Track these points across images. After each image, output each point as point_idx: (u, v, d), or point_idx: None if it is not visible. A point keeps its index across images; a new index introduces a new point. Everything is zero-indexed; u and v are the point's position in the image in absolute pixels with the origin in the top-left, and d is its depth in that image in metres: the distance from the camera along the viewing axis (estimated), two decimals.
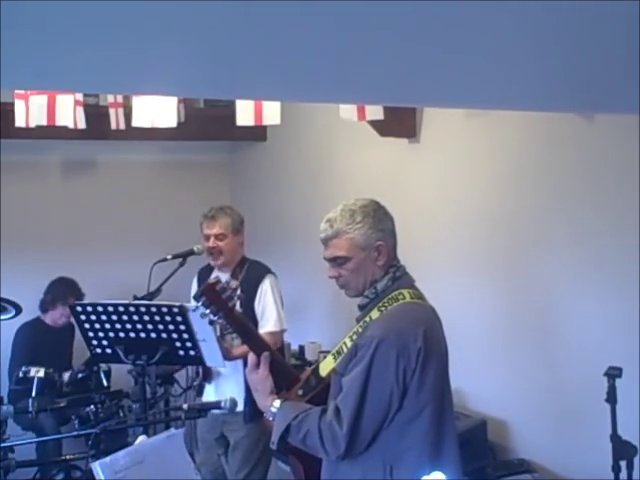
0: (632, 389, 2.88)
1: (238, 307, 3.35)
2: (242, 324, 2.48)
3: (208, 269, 3.75)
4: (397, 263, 2.26)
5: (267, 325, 3.49)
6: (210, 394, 3.61)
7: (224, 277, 3.53)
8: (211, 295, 2.36)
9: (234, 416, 3.41)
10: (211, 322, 2.50)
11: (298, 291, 5.19)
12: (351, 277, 2.21)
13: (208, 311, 2.38)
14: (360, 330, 2.19)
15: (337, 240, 2.19)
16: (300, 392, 2.29)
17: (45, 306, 5.04)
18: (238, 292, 2.45)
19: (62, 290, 5.00)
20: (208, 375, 3.62)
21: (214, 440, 3.65)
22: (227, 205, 3.76)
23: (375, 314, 2.18)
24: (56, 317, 5.01)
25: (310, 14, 1.19)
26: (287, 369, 2.46)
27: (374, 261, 2.20)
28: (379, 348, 2.06)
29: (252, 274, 3.60)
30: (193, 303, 2.60)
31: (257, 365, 2.28)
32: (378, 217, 2.21)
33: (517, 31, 1.33)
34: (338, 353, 2.25)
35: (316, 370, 2.34)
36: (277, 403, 2.20)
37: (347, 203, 2.23)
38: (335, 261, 2.21)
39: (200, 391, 3.70)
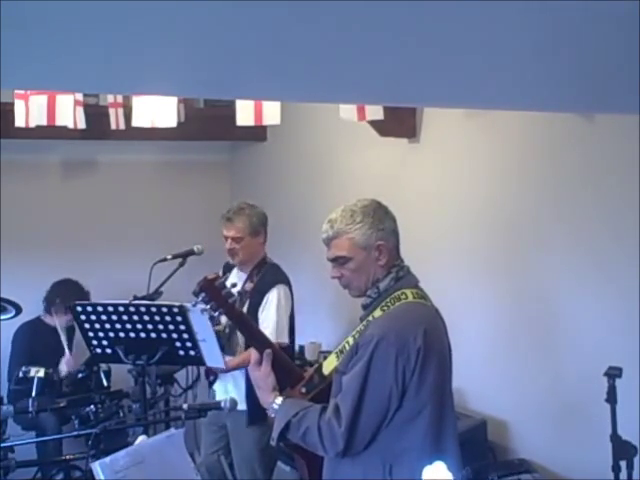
0: (632, 389, 2.88)
1: (245, 310, 3.36)
2: (244, 320, 2.48)
3: (231, 264, 3.74)
4: (400, 263, 2.26)
5: None
6: (219, 393, 3.62)
7: (241, 279, 3.54)
8: (211, 291, 2.36)
9: (236, 416, 3.41)
10: (212, 318, 2.50)
11: (298, 291, 5.18)
12: (353, 277, 2.22)
13: (209, 307, 2.38)
14: (362, 329, 2.20)
15: (338, 240, 2.20)
16: (303, 390, 2.30)
17: (54, 308, 4.98)
18: (240, 289, 2.44)
19: (71, 294, 4.91)
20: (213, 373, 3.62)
21: (218, 427, 3.66)
22: (249, 204, 3.66)
23: (378, 313, 2.18)
24: (62, 321, 4.96)
25: (310, 14, 1.19)
26: (290, 367, 2.46)
27: (375, 261, 2.20)
28: (378, 347, 2.07)
29: (265, 280, 3.58)
30: (192, 302, 2.60)
31: (260, 362, 2.29)
32: (378, 217, 2.22)
33: (517, 31, 1.33)
34: (341, 352, 2.26)
35: (319, 368, 2.36)
36: (279, 400, 2.21)
37: (348, 204, 2.24)
38: (337, 261, 2.22)
39: (211, 385, 3.69)
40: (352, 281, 2.23)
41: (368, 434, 2.09)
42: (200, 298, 2.37)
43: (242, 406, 3.27)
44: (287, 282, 3.62)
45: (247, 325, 2.48)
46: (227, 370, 3.39)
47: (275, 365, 2.28)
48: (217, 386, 3.67)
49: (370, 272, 2.21)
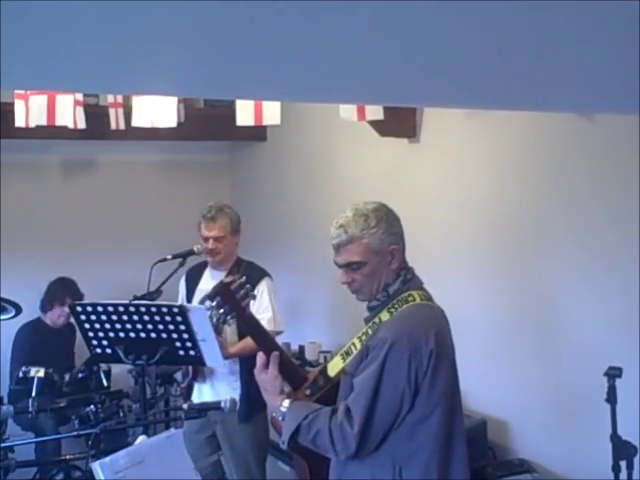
0: (632, 389, 2.88)
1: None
2: (253, 323, 2.48)
3: (198, 270, 3.73)
4: (406, 265, 2.26)
5: None
6: (206, 394, 3.59)
7: (218, 277, 3.53)
8: (226, 294, 2.36)
9: (228, 416, 3.39)
10: (224, 321, 2.50)
11: (298, 291, 5.19)
12: (365, 282, 2.20)
13: (222, 310, 2.38)
14: (370, 332, 2.19)
15: (351, 246, 2.17)
16: (308, 392, 2.29)
17: (44, 307, 5.05)
18: (251, 292, 2.44)
19: (59, 291, 5.00)
20: (199, 374, 3.60)
21: (204, 440, 3.63)
22: (225, 204, 3.71)
23: (385, 316, 2.18)
24: (54, 317, 5.01)
25: (310, 14, 1.19)
26: (295, 369, 2.46)
27: (388, 265, 2.19)
28: (392, 349, 2.07)
29: (249, 275, 3.56)
30: (207, 303, 2.60)
31: (266, 365, 2.28)
32: (390, 221, 2.21)
33: (517, 31, 1.33)
34: (347, 354, 2.25)
35: (324, 370, 2.34)
36: (287, 403, 2.20)
37: (357, 207, 2.21)
38: (349, 267, 2.19)
39: (189, 392, 3.65)
40: (363, 286, 2.21)
41: (380, 436, 2.09)
42: (215, 302, 2.37)
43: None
44: (270, 275, 3.66)
45: (256, 328, 2.48)
46: (226, 357, 3.37)
47: (280, 367, 2.28)
48: (204, 390, 3.63)
49: (382, 276, 2.20)
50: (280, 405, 2.20)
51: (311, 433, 2.11)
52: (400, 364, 2.06)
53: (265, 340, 2.42)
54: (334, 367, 2.30)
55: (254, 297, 2.47)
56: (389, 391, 2.07)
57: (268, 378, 2.26)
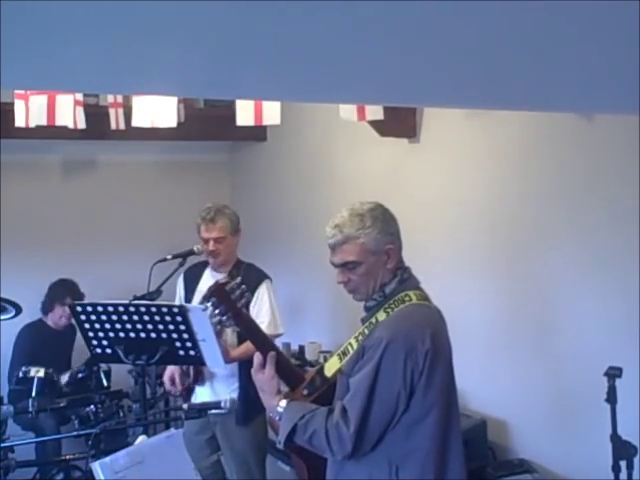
0: (632, 389, 2.88)
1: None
2: (249, 324, 2.48)
3: (197, 270, 3.72)
4: (403, 265, 2.26)
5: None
6: (204, 396, 3.59)
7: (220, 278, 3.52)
8: (221, 295, 2.36)
9: (227, 417, 3.39)
10: (219, 322, 2.50)
11: (298, 291, 5.19)
12: (361, 282, 2.20)
13: (217, 311, 2.38)
14: (366, 332, 2.19)
15: (347, 245, 2.17)
16: (305, 392, 2.29)
17: (45, 308, 5.05)
18: (247, 293, 2.44)
19: (60, 291, 5.00)
20: (199, 376, 3.60)
21: (205, 441, 3.62)
22: (223, 204, 3.68)
23: (382, 316, 2.18)
24: (56, 318, 5.01)
25: (311, 14, 1.19)
26: (292, 369, 2.46)
27: (384, 265, 2.19)
28: (388, 349, 2.07)
29: (249, 277, 3.55)
30: (205, 304, 2.60)
31: (263, 365, 2.28)
32: (386, 221, 2.21)
33: (517, 31, 1.33)
34: (343, 354, 2.25)
35: (321, 370, 2.35)
36: (283, 403, 2.20)
37: (353, 207, 2.21)
38: (345, 266, 2.19)
39: (188, 395, 3.63)
40: (360, 286, 2.21)
41: (376, 436, 2.09)
42: (210, 302, 2.37)
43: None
44: (269, 278, 3.65)
45: (253, 328, 2.48)
46: (228, 362, 3.37)
47: (277, 367, 2.28)
48: (202, 392, 3.63)
49: (378, 276, 2.20)
50: (277, 405, 2.20)
51: (307, 433, 2.11)
52: (396, 364, 2.06)
53: (262, 341, 2.42)
54: (331, 367, 2.30)
55: (251, 298, 2.46)
56: (385, 391, 2.07)
57: (265, 378, 2.26)
